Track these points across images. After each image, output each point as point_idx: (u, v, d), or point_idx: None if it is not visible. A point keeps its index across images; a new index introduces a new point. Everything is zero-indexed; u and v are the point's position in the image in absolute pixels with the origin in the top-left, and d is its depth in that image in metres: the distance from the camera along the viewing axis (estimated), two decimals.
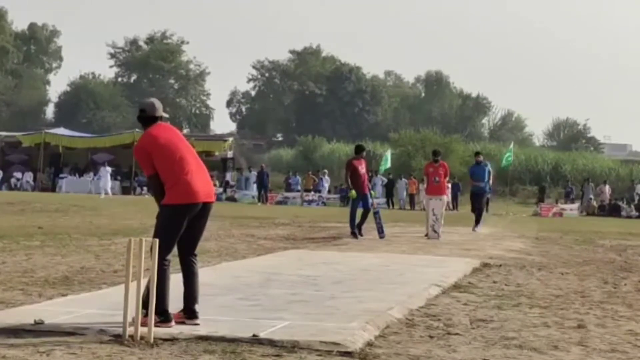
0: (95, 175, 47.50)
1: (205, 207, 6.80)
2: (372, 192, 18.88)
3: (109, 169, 43.37)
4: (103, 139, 50.12)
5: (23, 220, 20.22)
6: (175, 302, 6.76)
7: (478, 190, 21.54)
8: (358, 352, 6.01)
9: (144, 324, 6.16)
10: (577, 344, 6.73)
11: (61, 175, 47.74)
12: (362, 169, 18.05)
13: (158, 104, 6.91)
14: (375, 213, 17.94)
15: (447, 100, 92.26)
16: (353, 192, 17.79)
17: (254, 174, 46.18)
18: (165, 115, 6.99)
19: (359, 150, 18.62)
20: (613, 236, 21.80)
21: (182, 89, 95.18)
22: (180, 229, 6.67)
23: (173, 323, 6.52)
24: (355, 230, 17.73)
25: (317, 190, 44.71)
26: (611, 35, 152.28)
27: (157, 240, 6.41)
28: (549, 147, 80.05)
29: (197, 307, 6.79)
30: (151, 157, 6.66)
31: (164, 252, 6.48)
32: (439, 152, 20.37)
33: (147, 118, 6.83)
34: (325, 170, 47.53)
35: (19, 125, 72.06)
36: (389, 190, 42.88)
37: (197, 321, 6.69)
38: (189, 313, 6.75)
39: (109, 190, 41.48)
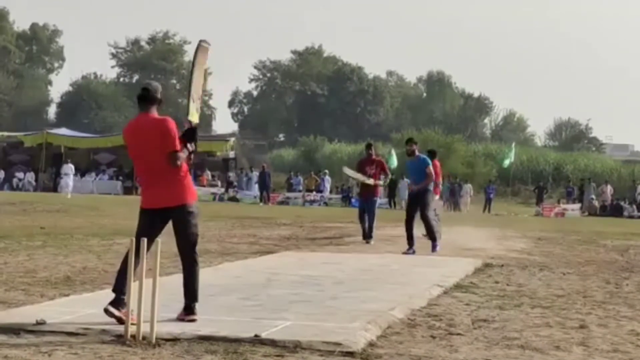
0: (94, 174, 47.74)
1: (163, 211, 6.82)
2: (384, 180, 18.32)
3: (72, 166, 43.09)
4: (105, 139, 50.14)
5: (25, 221, 20.23)
6: (175, 303, 6.78)
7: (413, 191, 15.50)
8: (360, 352, 6.00)
9: (120, 320, 6.32)
10: (579, 344, 6.72)
11: (62, 175, 47.64)
12: (371, 169, 16.91)
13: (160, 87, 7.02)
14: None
15: (449, 101, 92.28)
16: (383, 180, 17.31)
17: (255, 174, 46.18)
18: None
19: (366, 147, 17.75)
20: (615, 236, 21.78)
21: (184, 89, 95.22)
22: (145, 230, 6.72)
23: (116, 312, 6.56)
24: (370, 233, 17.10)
25: (319, 190, 44.68)
26: (612, 35, 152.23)
27: (158, 240, 6.45)
28: (551, 148, 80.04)
29: (192, 303, 6.81)
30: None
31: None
32: (435, 151, 20.29)
33: (152, 99, 6.83)
34: (327, 171, 47.50)
35: (20, 125, 72.15)
36: (392, 191, 42.87)
37: (194, 317, 6.74)
38: (184, 308, 6.82)
39: (70, 189, 41.16)
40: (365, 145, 18.22)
